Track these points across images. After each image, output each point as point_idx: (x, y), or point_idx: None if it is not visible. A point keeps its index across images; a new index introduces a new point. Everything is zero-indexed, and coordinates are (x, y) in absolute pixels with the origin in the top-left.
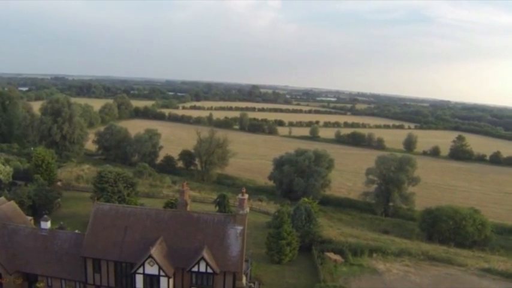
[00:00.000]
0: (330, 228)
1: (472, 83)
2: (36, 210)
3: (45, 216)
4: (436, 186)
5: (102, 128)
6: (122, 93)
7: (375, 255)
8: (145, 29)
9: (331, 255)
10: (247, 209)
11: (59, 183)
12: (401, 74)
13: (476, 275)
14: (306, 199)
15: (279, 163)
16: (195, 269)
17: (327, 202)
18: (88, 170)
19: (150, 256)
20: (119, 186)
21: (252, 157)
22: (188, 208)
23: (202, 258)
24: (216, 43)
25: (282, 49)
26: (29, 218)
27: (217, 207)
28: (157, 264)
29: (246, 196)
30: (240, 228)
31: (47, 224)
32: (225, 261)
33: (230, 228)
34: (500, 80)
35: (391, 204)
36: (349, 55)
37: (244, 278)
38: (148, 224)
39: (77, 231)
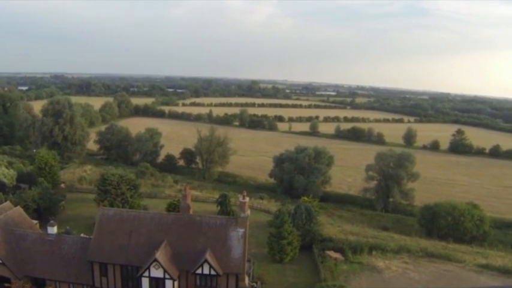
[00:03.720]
0: (330, 225)
1: (472, 75)
2: (41, 213)
3: (52, 221)
4: (435, 180)
5: (103, 128)
6: (121, 91)
7: (374, 252)
8: (143, 26)
9: (332, 253)
10: (248, 212)
11: (62, 185)
12: (400, 67)
13: (474, 271)
14: (305, 198)
15: (279, 160)
16: (199, 271)
17: (328, 199)
18: (90, 171)
19: (155, 260)
20: (122, 188)
21: (252, 154)
22: (191, 211)
23: (206, 261)
24: (214, 39)
25: (280, 44)
26: (35, 221)
27: (219, 207)
28: (162, 267)
29: (247, 199)
30: (241, 230)
31: (53, 229)
32: (227, 263)
33: (232, 231)
34: (499, 71)
35: (391, 200)
36: (348, 49)
37: (246, 279)
38: (152, 228)
39: (82, 234)
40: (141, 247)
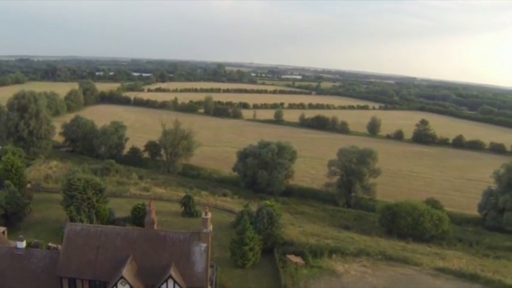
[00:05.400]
0: (291, 226)
1: (439, 60)
2: (8, 218)
3: (21, 236)
4: (398, 173)
5: (68, 117)
6: (87, 76)
7: (334, 256)
8: (109, 8)
9: (292, 257)
10: (210, 228)
11: (28, 186)
12: (368, 51)
13: (430, 274)
14: (267, 202)
15: (243, 155)
16: (164, 286)
17: (290, 193)
18: (56, 168)
19: (122, 277)
20: (88, 193)
21: (216, 144)
22: (155, 226)
23: (170, 276)
24: (181, 21)
25: (247, 26)
26: (2, 229)
27: (183, 208)
28: (129, 284)
29: (209, 215)
30: (204, 245)
31: (22, 244)
32: (191, 277)
33: (195, 246)
34: (465, 57)
35: (353, 194)
36: (316, 32)
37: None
38: (118, 243)
39: (50, 243)
40: (108, 262)
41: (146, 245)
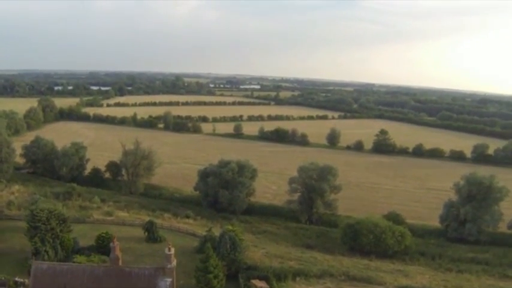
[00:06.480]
0: (255, 248)
1: (396, 65)
2: None
3: None
4: (359, 185)
5: (28, 137)
6: (46, 92)
7: (298, 278)
8: (65, 19)
9: (257, 282)
10: (174, 263)
11: None
12: (325, 58)
13: None
14: (229, 227)
15: (204, 174)
16: None
17: (252, 211)
18: (18, 193)
19: None
20: (52, 224)
21: (177, 161)
22: (120, 262)
23: None
24: (137, 32)
25: (204, 36)
26: None
27: (146, 233)
28: None
29: (172, 251)
30: (169, 280)
31: None
32: None
33: (160, 281)
34: (422, 62)
35: (314, 210)
36: (273, 41)
37: None
38: (85, 281)
39: (17, 278)
40: None
41: (112, 282)
